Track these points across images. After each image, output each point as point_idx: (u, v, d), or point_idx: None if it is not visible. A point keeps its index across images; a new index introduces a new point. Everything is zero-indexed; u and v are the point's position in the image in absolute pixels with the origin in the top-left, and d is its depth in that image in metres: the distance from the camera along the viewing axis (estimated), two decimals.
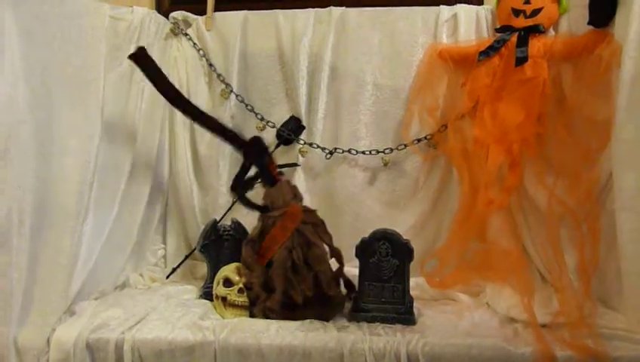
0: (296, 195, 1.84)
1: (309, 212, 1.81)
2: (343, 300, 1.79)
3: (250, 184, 1.82)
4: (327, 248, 1.79)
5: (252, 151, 1.81)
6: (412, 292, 1.78)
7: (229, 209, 2.13)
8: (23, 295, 1.57)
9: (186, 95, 2.14)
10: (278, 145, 2.18)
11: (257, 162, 1.81)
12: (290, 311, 1.68)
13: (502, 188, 1.89)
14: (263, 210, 1.80)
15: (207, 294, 1.89)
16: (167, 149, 2.24)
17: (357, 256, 1.76)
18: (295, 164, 2.14)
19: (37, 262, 1.63)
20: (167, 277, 2.11)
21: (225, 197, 2.19)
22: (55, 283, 1.66)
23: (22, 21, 1.62)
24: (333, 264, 1.79)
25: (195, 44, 2.25)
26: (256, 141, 1.83)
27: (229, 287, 1.76)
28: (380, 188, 2.17)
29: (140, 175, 2.09)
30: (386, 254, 1.74)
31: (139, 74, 2.01)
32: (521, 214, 1.99)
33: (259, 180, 1.82)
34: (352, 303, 1.77)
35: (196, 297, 1.92)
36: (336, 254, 1.80)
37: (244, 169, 1.81)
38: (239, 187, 1.80)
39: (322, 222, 1.81)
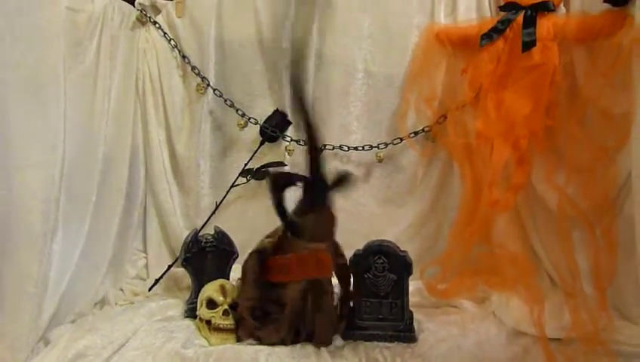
0: (331, 233, 1.59)
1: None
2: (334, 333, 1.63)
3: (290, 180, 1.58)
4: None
5: (314, 189, 1.56)
6: (412, 299, 1.66)
7: (212, 214, 1.98)
8: None
9: (158, 91, 2.01)
10: (262, 143, 2.00)
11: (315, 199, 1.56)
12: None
13: (508, 187, 1.72)
14: (292, 228, 1.56)
15: (191, 310, 1.76)
16: (141, 151, 2.08)
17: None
18: (281, 163, 1.97)
19: (1, 291, 1.49)
20: (150, 289, 1.97)
21: (207, 199, 2.04)
22: (23, 314, 1.53)
23: None
24: None
25: (165, 33, 2.05)
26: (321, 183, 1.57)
27: (213, 309, 1.63)
28: (375, 186, 2.03)
29: (112, 182, 1.93)
30: (383, 269, 1.60)
31: (103, 70, 1.85)
32: (529, 215, 1.84)
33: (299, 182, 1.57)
34: (347, 319, 1.64)
35: (181, 313, 1.81)
36: (344, 279, 1.65)
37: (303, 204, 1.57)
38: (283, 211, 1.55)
39: (339, 249, 1.64)
